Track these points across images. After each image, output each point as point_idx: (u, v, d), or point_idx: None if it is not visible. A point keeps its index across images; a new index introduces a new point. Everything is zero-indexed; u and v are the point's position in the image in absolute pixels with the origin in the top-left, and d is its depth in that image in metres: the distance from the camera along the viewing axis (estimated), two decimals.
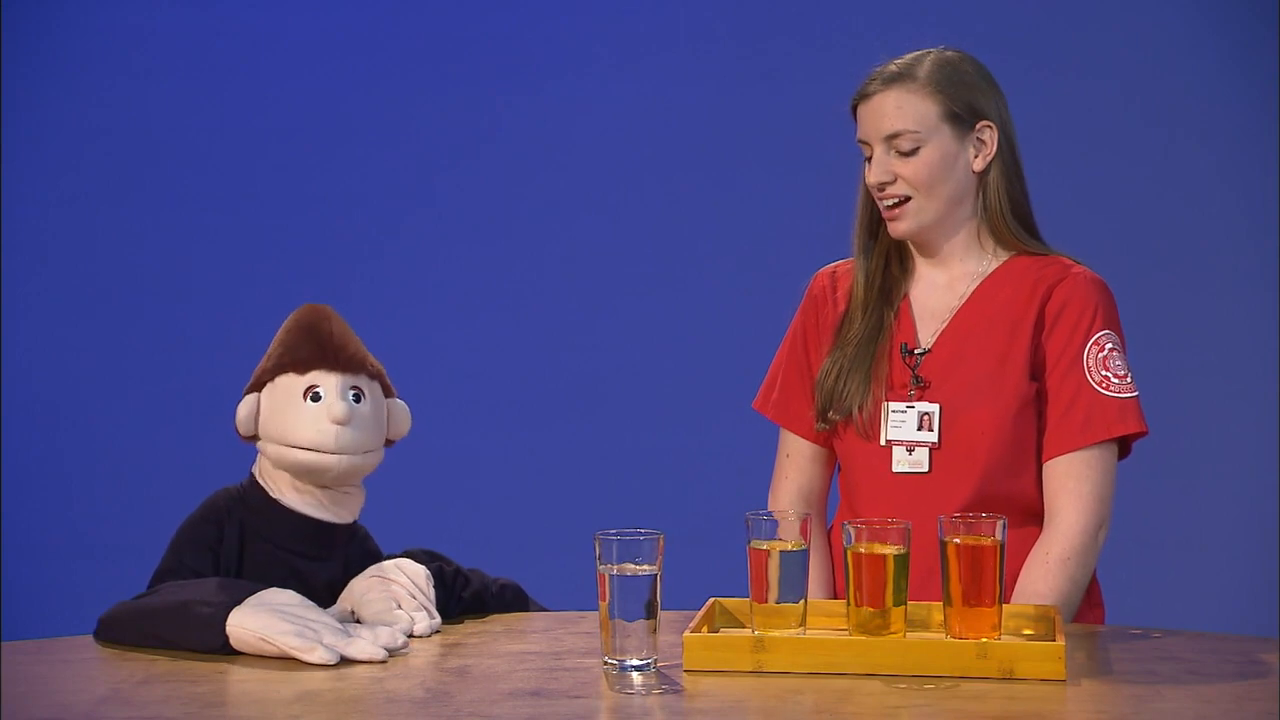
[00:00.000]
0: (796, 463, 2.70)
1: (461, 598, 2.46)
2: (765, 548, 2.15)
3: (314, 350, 2.41)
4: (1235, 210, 4.23)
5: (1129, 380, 2.53)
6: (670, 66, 4.40)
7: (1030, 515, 2.55)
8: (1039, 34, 4.20)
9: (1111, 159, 4.24)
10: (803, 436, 2.69)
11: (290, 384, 2.40)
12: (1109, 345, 2.53)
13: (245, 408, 2.41)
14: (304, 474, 2.40)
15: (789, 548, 2.15)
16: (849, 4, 4.33)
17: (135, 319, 4.45)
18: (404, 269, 4.42)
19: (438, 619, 2.36)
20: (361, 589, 2.36)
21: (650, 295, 4.42)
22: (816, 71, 4.27)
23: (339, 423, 2.37)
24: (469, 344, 4.38)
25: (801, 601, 2.16)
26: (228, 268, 4.45)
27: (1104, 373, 2.52)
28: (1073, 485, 2.51)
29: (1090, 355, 2.52)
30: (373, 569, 2.40)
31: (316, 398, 2.39)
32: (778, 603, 2.15)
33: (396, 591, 2.35)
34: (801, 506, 2.67)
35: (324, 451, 2.37)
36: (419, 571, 2.40)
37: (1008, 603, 2.43)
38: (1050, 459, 2.53)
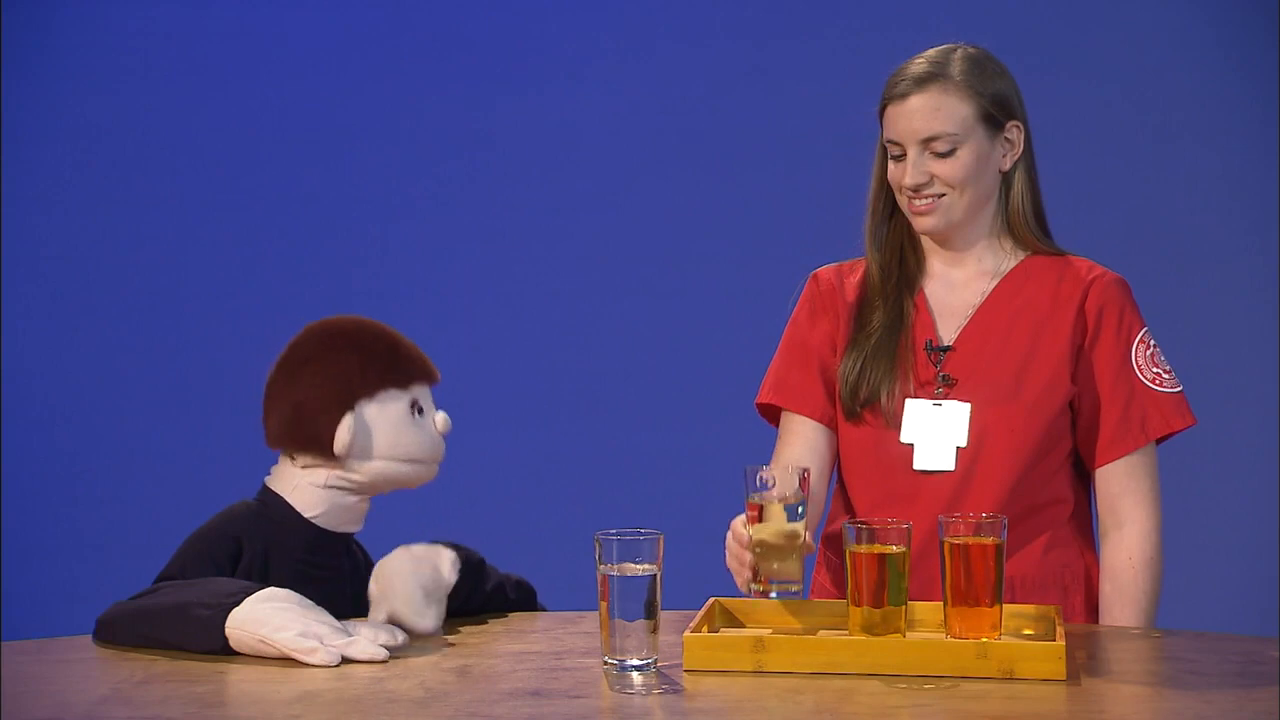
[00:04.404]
0: (790, 441, 2.61)
1: (484, 590, 2.46)
2: (760, 501, 2.16)
3: (408, 364, 2.44)
4: (1235, 210, 4.23)
5: (1174, 375, 2.56)
6: (670, 66, 4.40)
7: (1052, 515, 2.55)
8: (1039, 34, 4.20)
9: (1111, 159, 4.24)
10: (804, 414, 2.61)
11: (397, 400, 2.42)
12: (1152, 342, 2.56)
13: (347, 429, 2.38)
14: (394, 485, 2.44)
15: (789, 501, 2.16)
16: (849, 4, 4.33)
17: (135, 319, 4.45)
18: (403, 269, 4.42)
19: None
20: (392, 569, 2.33)
21: (650, 295, 4.42)
22: (816, 71, 4.28)
23: (444, 433, 2.46)
24: (469, 344, 4.38)
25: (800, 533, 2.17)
26: (227, 267, 4.44)
27: (1155, 370, 2.55)
28: (1136, 485, 2.54)
29: (1138, 354, 2.54)
30: (401, 551, 2.37)
31: (420, 411, 2.43)
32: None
33: (424, 581, 2.34)
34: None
35: (432, 462, 2.45)
36: (446, 557, 2.38)
37: (1095, 621, 2.47)
38: (1111, 461, 2.54)
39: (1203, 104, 4.22)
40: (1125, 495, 2.54)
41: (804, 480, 2.17)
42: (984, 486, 2.50)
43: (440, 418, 2.45)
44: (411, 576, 2.32)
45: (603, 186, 4.43)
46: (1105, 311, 2.54)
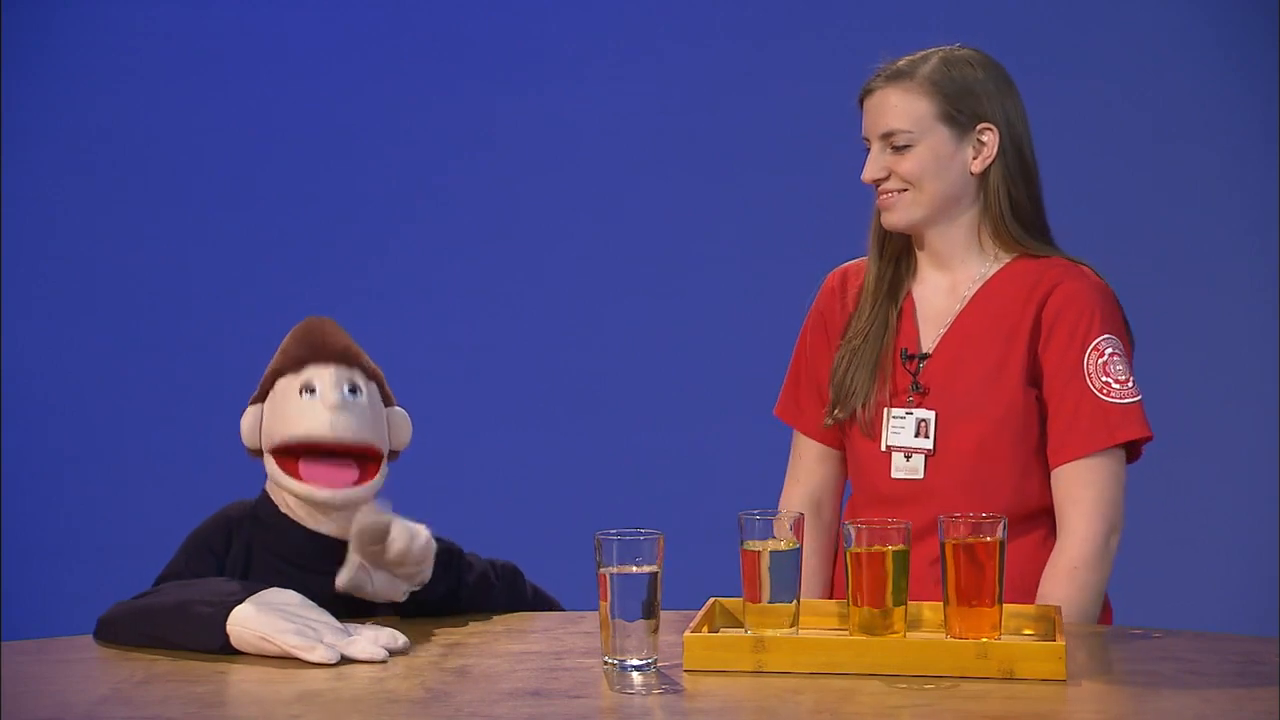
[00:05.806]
0: (805, 464, 2.71)
1: (466, 582, 2.45)
2: (757, 548, 2.15)
3: (307, 349, 2.41)
4: (1235, 210, 4.23)
5: (1131, 385, 2.51)
6: (670, 66, 4.40)
7: (1040, 522, 2.55)
8: (1039, 34, 4.20)
9: (1111, 159, 4.23)
10: (810, 436, 2.70)
11: (287, 384, 2.40)
12: (1109, 350, 2.51)
13: (248, 420, 2.40)
14: None
15: (781, 547, 2.15)
16: (849, 4, 4.33)
17: (135, 319, 4.45)
18: (404, 269, 4.42)
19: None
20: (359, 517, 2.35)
21: (651, 295, 4.42)
22: (817, 71, 4.27)
23: (332, 408, 2.35)
24: (469, 344, 4.38)
25: (794, 601, 2.16)
26: (227, 268, 4.44)
27: (1104, 379, 2.50)
28: (1078, 493, 2.50)
29: (1090, 362, 2.50)
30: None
31: (313, 392, 2.38)
32: (770, 603, 2.15)
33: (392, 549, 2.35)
34: (810, 509, 2.66)
35: (320, 439, 2.36)
36: (419, 530, 2.38)
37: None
38: (1056, 467, 2.52)
39: (1203, 104, 4.22)
40: (1068, 503, 2.51)
41: (797, 525, 2.17)
42: (950, 495, 2.50)
43: (333, 395, 2.35)
44: (371, 508, 2.34)
45: (603, 186, 4.43)
46: (1061, 316, 2.52)
